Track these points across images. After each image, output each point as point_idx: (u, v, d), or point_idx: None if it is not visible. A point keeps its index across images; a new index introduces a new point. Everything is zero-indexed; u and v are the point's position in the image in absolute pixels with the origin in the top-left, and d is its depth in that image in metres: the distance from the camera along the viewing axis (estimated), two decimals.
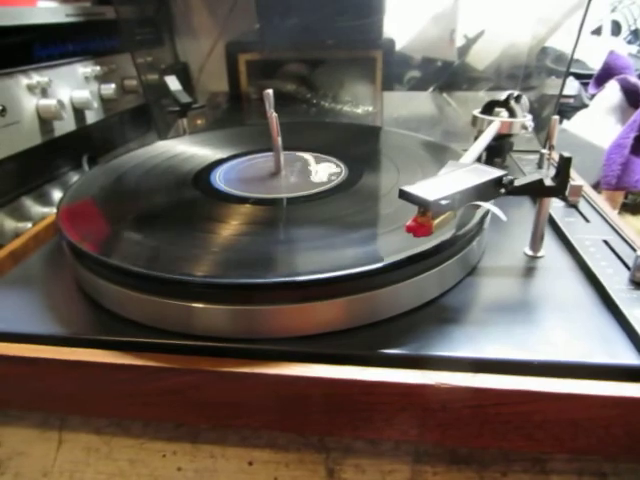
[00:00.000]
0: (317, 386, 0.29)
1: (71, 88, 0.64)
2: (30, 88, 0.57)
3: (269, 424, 0.31)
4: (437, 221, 0.31)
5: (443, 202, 0.30)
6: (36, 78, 0.58)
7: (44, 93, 0.59)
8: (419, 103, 0.80)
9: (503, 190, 0.34)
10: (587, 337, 0.31)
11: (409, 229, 0.30)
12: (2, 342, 0.32)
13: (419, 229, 0.30)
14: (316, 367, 0.29)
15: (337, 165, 0.48)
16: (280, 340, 0.31)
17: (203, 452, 0.34)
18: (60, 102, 0.59)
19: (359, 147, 0.55)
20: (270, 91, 0.43)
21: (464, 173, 0.34)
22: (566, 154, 0.35)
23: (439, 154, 0.51)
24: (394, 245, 0.33)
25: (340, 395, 0.29)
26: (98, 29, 0.71)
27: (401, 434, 0.30)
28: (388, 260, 0.31)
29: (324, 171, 0.47)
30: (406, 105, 0.80)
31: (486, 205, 0.33)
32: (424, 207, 0.30)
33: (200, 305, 0.31)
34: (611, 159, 0.72)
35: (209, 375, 0.29)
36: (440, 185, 0.31)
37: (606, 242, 0.41)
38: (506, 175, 0.34)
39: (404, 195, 0.30)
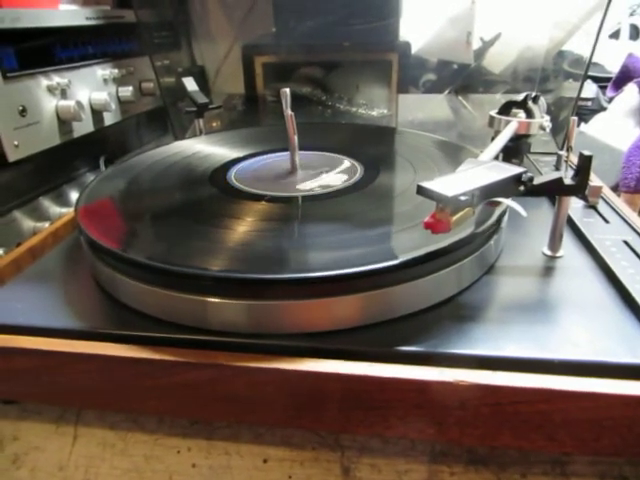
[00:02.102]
0: (332, 382, 0.29)
1: (90, 90, 0.65)
2: (50, 89, 0.58)
3: (283, 420, 0.31)
4: (456, 217, 0.30)
5: (462, 198, 0.29)
6: (56, 79, 0.59)
7: (64, 94, 0.60)
8: (435, 106, 0.80)
9: (522, 188, 0.34)
10: (608, 336, 0.30)
11: (427, 225, 0.30)
12: (20, 335, 0.32)
13: (437, 225, 0.30)
14: (332, 363, 0.29)
15: (353, 164, 0.48)
16: (296, 336, 0.31)
17: (218, 449, 0.34)
18: (79, 103, 0.59)
19: (375, 147, 0.55)
20: (287, 90, 0.44)
21: (483, 170, 0.34)
22: (586, 153, 0.34)
23: (455, 154, 0.51)
24: (411, 242, 0.33)
25: (356, 391, 0.29)
26: (117, 32, 0.71)
27: (417, 432, 0.29)
28: (404, 257, 0.31)
29: (340, 170, 0.47)
30: (422, 108, 0.79)
31: (506, 201, 0.33)
32: (442, 203, 0.30)
33: (216, 300, 0.31)
34: (630, 161, 0.71)
35: (224, 370, 0.29)
36: (459, 181, 0.31)
37: (626, 242, 0.40)
38: (526, 172, 0.33)
39: (422, 191, 0.30)
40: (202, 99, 0.61)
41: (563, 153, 0.56)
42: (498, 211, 0.37)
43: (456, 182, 0.31)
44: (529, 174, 0.33)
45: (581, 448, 0.28)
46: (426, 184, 0.30)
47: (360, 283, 0.31)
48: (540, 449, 0.29)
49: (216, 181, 0.45)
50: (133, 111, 0.75)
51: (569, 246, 0.41)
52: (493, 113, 0.54)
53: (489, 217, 0.36)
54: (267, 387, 0.29)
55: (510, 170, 0.33)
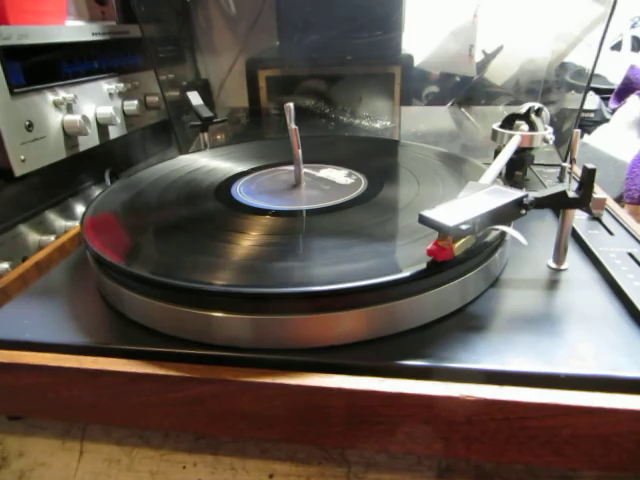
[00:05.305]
0: (338, 397, 0.29)
1: (96, 104, 0.66)
2: (56, 104, 0.58)
3: (289, 436, 0.31)
4: (458, 245, 0.31)
5: (463, 227, 0.30)
6: (62, 94, 0.59)
7: (69, 109, 0.61)
8: (437, 118, 0.80)
9: (524, 211, 0.34)
10: (615, 350, 0.30)
11: (430, 252, 0.31)
12: (26, 351, 0.32)
13: (440, 253, 0.31)
14: (337, 378, 0.29)
15: (357, 177, 0.48)
16: (301, 350, 0.31)
17: (223, 464, 0.33)
18: (85, 118, 0.60)
19: (379, 160, 0.55)
20: (291, 104, 0.44)
21: (484, 195, 0.34)
22: (590, 166, 0.34)
23: (458, 166, 0.51)
24: (415, 256, 0.33)
25: (361, 407, 0.29)
26: (123, 47, 0.72)
27: (424, 448, 0.29)
28: (409, 271, 0.31)
29: (344, 183, 0.47)
30: (424, 120, 0.80)
31: (507, 230, 0.33)
32: (444, 232, 0.30)
33: (220, 314, 0.31)
34: (634, 172, 0.71)
35: (230, 385, 0.29)
36: (460, 209, 0.31)
37: (631, 255, 0.40)
38: (526, 196, 0.33)
39: (424, 220, 0.30)
40: (207, 113, 0.61)
41: (567, 165, 0.56)
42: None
43: (457, 210, 0.31)
44: (530, 197, 0.33)
45: (589, 463, 0.28)
46: (428, 213, 0.30)
47: (365, 297, 0.31)
48: (547, 464, 0.29)
49: (221, 195, 0.46)
50: (138, 125, 0.76)
51: (574, 258, 0.41)
52: (496, 127, 0.54)
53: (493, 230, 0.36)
54: (272, 402, 0.29)
55: (511, 194, 0.33)
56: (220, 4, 0.83)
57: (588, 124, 0.87)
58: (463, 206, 0.32)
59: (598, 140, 0.82)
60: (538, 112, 0.53)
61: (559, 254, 0.39)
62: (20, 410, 0.34)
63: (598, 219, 0.47)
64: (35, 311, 0.37)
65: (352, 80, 0.79)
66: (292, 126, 0.45)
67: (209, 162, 0.55)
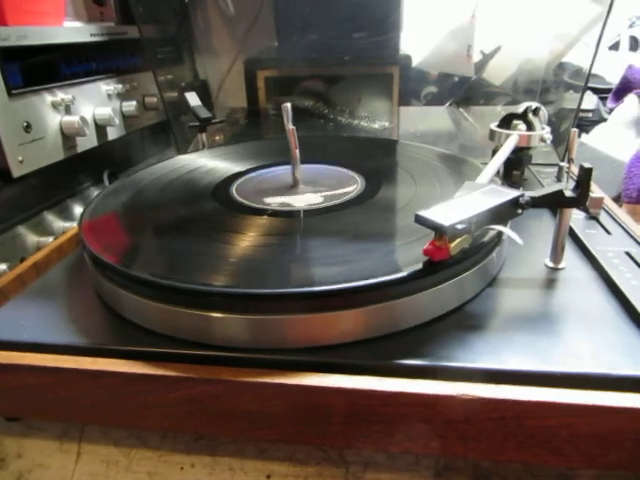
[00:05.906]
0: (336, 396, 0.29)
1: (94, 105, 0.66)
2: (54, 105, 0.58)
3: (288, 436, 0.31)
4: (454, 244, 0.31)
5: (459, 226, 0.30)
6: (60, 95, 0.59)
7: (68, 110, 0.61)
8: (436, 118, 0.80)
9: (520, 211, 0.34)
10: (612, 349, 0.30)
11: (427, 252, 0.31)
12: (24, 352, 0.32)
13: (437, 252, 0.31)
14: (335, 377, 0.29)
15: (355, 178, 0.48)
16: (299, 350, 0.31)
17: (221, 465, 0.33)
18: (83, 119, 0.60)
19: (377, 160, 0.55)
20: (288, 104, 0.44)
21: (480, 195, 0.34)
22: (587, 165, 0.35)
23: (456, 166, 0.51)
24: (413, 255, 0.33)
25: (359, 406, 0.29)
26: (121, 48, 0.72)
27: (422, 447, 0.29)
28: (407, 270, 0.31)
29: (341, 183, 0.47)
30: (423, 120, 0.80)
31: (503, 229, 0.33)
32: (440, 232, 0.30)
33: (218, 315, 0.31)
34: (632, 172, 0.71)
35: (228, 385, 0.29)
36: (456, 208, 0.31)
37: (629, 254, 0.40)
38: (522, 195, 0.33)
39: (420, 220, 0.30)
40: (205, 114, 0.61)
41: (564, 164, 0.56)
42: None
43: (453, 209, 0.31)
44: (526, 197, 0.33)
45: (587, 462, 0.28)
46: (424, 213, 0.30)
47: (362, 297, 0.31)
48: (545, 463, 0.29)
49: (219, 195, 0.46)
50: (137, 125, 0.76)
51: (571, 258, 0.41)
52: (493, 127, 0.54)
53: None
54: (271, 402, 0.29)
55: (507, 194, 0.33)
56: (218, 5, 0.83)
57: (586, 124, 0.88)
58: (459, 206, 0.32)
59: (596, 140, 0.82)
60: (535, 112, 0.54)
61: (556, 253, 0.39)
62: (18, 411, 0.34)
63: (595, 218, 0.47)
64: (33, 312, 0.36)
65: (351, 80, 0.79)
66: (289, 126, 0.45)
67: (207, 162, 0.55)
